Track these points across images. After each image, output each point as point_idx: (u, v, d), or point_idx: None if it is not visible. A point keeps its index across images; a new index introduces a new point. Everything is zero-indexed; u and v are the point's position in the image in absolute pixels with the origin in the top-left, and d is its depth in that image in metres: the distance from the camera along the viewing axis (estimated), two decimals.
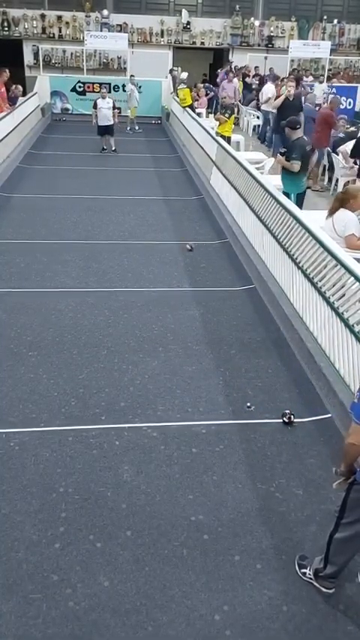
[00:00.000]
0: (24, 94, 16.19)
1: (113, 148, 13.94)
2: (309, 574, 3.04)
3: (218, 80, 18.52)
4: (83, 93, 18.45)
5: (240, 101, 17.19)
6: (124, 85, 18.61)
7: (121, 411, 4.40)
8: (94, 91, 17.60)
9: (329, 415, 4.36)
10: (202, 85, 18.24)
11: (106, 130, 13.85)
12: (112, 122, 13.79)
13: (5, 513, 3.43)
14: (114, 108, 13.88)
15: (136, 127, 17.13)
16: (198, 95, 16.70)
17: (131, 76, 17.18)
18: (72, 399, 4.51)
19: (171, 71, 18.76)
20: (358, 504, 2.71)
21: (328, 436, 4.18)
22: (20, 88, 15.46)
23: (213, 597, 2.97)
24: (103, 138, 13.98)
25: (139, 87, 17.30)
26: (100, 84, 17.39)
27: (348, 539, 2.81)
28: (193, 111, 14.63)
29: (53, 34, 22.22)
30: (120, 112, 14.83)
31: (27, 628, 2.80)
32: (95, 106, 13.81)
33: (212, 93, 17.98)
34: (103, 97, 13.84)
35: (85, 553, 3.19)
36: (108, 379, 4.78)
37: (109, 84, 18.27)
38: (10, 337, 5.39)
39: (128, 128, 16.90)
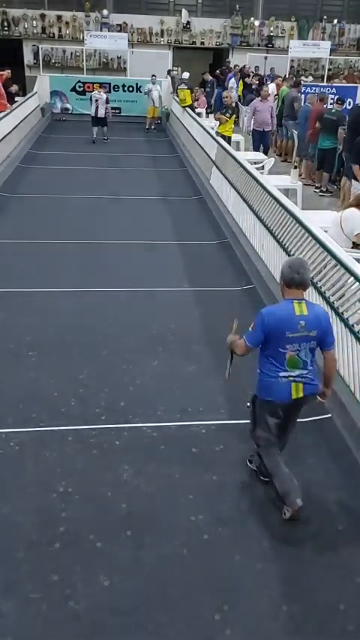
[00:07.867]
0: (24, 93, 16.20)
1: (105, 138, 14.87)
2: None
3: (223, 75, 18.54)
4: (83, 93, 18.39)
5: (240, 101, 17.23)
6: (124, 85, 18.60)
7: (121, 411, 4.40)
8: (93, 91, 17.59)
9: (329, 415, 4.36)
10: (200, 89, 18.23)
11: (99, 121, 14.72)
12: (104, 114, 14.64)
13: (5, 513, 3.43)
14: (107, 102, 14.63)
15: (152, 127, 17.39)
16: (197, 95, 16.70)
17: (152, 75, 17.19)
18: (72, 399, 4.51)
19: (169, 72, 18.72)
20: (262, 414, 3.53)
21: (328, 436, 4.18)
22: (16, 86, 15.56)
23: (213, 597, 2.96)
24: (95, 128, 14.74)
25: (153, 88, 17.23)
26: (100, 83, 17.38)
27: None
28: (193, 111, 14.62)
29: (53, 33, 22.21)
30: (120, 112, 15.11)
31: (27, 628, 2.79)
32: (91, 98, 14.79)
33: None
34: (99, 92, 14.86)
35: (85, 553, 3.19)
36: (108, 379, 4.78)
37: (109, 84, 18.27)
38: (10, 337, 5.39)
39: (147, 127, 17.27)
